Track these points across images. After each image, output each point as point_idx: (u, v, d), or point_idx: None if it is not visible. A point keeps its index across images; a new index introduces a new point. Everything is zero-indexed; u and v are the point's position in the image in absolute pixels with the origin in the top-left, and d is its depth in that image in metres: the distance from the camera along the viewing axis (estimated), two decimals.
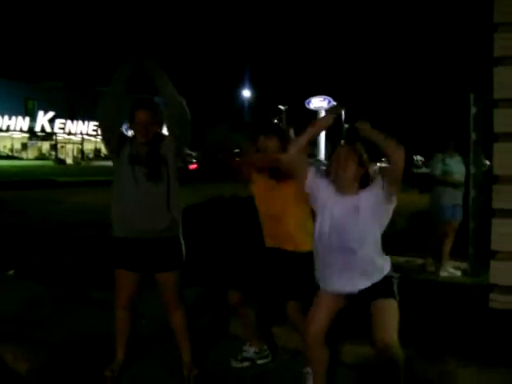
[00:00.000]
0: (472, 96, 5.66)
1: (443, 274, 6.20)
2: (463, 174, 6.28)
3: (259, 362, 3.77)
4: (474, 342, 3.70)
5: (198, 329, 4.19)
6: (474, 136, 5.72)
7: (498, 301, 4.42)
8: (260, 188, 3.63)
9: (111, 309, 3.55)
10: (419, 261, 6.64)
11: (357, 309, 3.14)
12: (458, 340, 3.77)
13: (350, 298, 3.09)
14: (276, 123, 3.67)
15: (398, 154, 2.86)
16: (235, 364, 3.73)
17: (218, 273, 5.37)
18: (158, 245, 3.33)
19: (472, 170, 5.79)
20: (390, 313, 2.94)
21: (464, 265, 6.27)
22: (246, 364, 3.74)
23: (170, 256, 3.38)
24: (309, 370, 3.33)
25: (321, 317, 3.08)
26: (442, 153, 6.36)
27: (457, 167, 6.27)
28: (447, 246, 6.33)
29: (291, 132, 3.63)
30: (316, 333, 3.08)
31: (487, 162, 6.00)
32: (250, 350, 3.78)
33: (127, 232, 3.34)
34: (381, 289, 3.00)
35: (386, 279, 3.04)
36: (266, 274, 3.56)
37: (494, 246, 4.46)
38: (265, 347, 3.84)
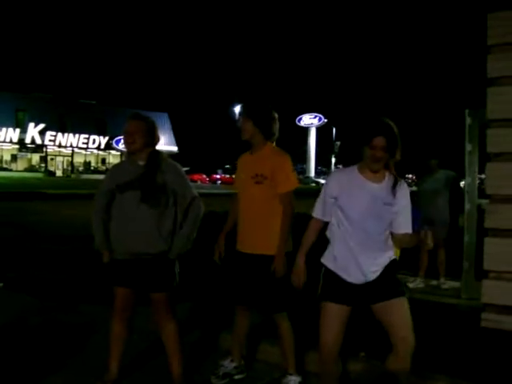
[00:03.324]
0: (467, 111, 5.70)
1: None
2: (435, 191, 6.51)
3: (237, 377, 3.74)
4: (465, 361, 3.70)
5: (189, 343, 4.15)
6: (469, 147, 5.74)
7: (489, 320, 4.41)
8: None
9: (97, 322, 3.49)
10: (410, 279, 6.64)
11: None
12: (450, 359, 3.76)
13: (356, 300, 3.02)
14: (261, 105, 3.57)
15: None
16: (215, 381, 3.67)
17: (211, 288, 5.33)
18: (151, 265, 3.33)
19: (467, 180, 5.80)
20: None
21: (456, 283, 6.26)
22: (226, 381, 3.68)
23: (162, 277, 3.38)
24: None
25: (334, 326, 2.98)
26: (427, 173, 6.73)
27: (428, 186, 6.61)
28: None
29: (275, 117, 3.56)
30: (331, 344, 2.98)
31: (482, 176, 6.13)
32: (231, 365, 3.74)
33: (123, 254, 3.36)
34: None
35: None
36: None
37: (486, 266, 4.46)
38: (242, 362, 3.81)
